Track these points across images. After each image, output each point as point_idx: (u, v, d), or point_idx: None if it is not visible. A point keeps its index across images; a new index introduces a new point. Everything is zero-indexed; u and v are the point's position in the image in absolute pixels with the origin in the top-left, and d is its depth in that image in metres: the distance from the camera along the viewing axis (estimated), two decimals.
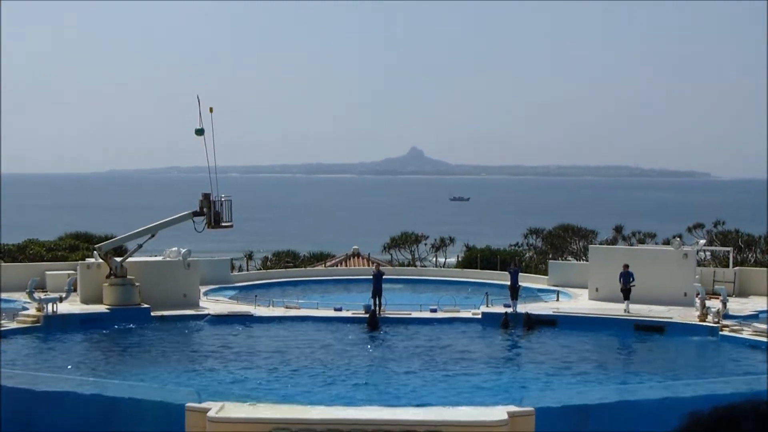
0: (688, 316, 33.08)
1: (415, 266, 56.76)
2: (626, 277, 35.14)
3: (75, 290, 35.93)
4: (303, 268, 52.60)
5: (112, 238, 40.84)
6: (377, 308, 34.62)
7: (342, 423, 17.16)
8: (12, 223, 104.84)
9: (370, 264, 50.79)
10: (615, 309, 34.88)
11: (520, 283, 36.16)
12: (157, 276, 36.61)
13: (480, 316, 34.25)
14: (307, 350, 29.34)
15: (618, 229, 60.89)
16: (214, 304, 37.23)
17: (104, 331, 32.50)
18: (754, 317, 33.30)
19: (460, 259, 58.36)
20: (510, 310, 34.43)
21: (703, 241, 45.92)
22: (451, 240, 61.03)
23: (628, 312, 34.11)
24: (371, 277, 36.01)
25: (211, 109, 35.75)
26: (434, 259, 60.68)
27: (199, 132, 35.79)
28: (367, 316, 34.04)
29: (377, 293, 34.95)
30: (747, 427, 1.78)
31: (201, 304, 36.93)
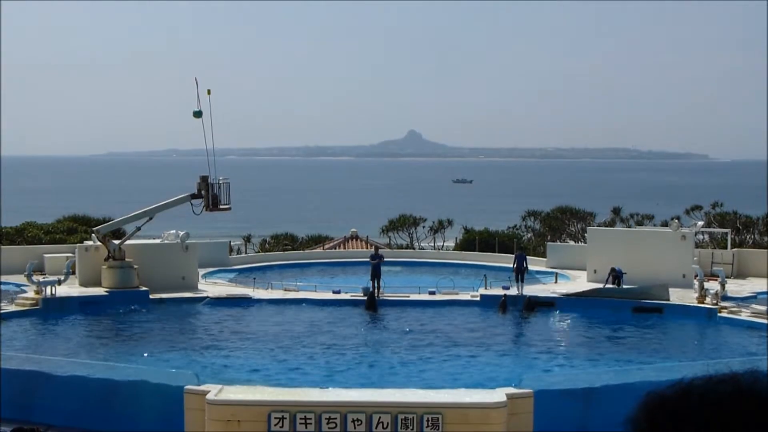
0: (687, 297, 33.07)
1: (413, 249, 56.70)
2: (620, 271, 34.86)
3: (73, 273, 35.87)
4: (301, 251, 52.55)
5: (110, 220, 40.77)
6: (376, 291, 34.58)
7: (340, 405, 17.16)
8: (10, 206, 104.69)
9: (369, 246, 50.77)
10: (613, 290, 34.85)
11: (526, 266, 35.78)
12: (156, 259, 36.55)
13: (479, 299, 34.23)
14: (306, 332, 29.33)
15: (616, 211, 60.84)
16: (212, 287, 37.19)
17: (103, 314, 32.47)
18: (753, 299, 33.32)
19: (458, 241, 58.30)
20: (508, 292, 34.38)
21: (701, 223, 45.87)
22: (449, 222, 60.92)
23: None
24: (369, 260, 35.98)
25: (209, 92, 35.72)
26: (432, 242, 60.57)
27: (197, 114, 35.75)
28: (365, 298, 34.01)
29: (376, 276, 34.90)
30: (706, 398, 1.81)
31: (199, 286, 36.88)
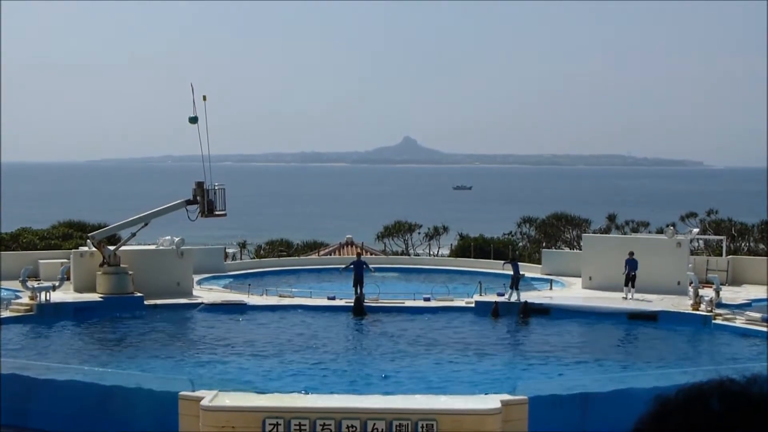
0: (682, 304, 33.10)
1: (409, 255, 56.73)
2: (632, 264, 35.20)
3: (68, 279, 35.83)
4: (296, 257, 52.56)
5: (105, 226, 40.73)
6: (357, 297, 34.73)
7: (334, 411, 17.15)
8: (5, 211, 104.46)
9: (364, 253, 50.83)
10: (608, 297, 34.93)
11: (521, 273, 36.19)
12: (151, 264, 36.52)
13: (474, 305, 34.23)
14: (300, 339, 29.32)
15: (611, 218, 60.87)
16: (207, 293, 37.18)
17: (97, 320, 32.41)
18: (747, 306, 33.35)
19: (453, 248, 58.29)
20: (503, 298, 34.42)
21: (696, 230, 45.95)
22: (445, 229, 60.94)
23: (634, 299, 34.32)
24: (351, 266, 36.10)
25: (204, 98, 35.63)
26: (428, 248, 60.59)
27: (193, 120, 35.71)
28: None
29: (358, 281, 35.12)
30: (714, 405, 1.82)
31: (194, 292, 36.85)
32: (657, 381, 20.66)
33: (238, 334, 30.46)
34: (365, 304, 34.15)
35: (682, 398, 1.88)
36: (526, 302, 33.71)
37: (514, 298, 34.38)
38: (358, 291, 35.03)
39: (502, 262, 40.21)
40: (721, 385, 1.87)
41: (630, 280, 35.10)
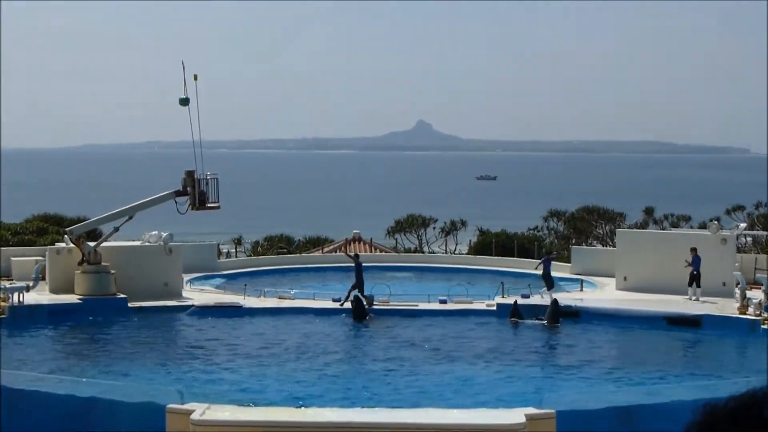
0: (727, 308, 33.00)
1: (423, 252, 56.66)
2: (697, 261, 35.13)
3: (43, 278, 35.90)
4: (298, 255, 52.58)
5: (84, 220, 40.78)
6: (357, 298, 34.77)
7: (338, 426, 17.11)
8: None
9: (373, 250, 50.85)
10: (645, 300, 34.84)
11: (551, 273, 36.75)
12: (135, 263, 36.56)
13: (495, 308, 34.18)
14: (302, 346, 29.30)
15: (648, 212, 60.76)
16: (198, 294, 37.20)
17: (75, 324, 32.46)
18: None
19: (472, 244, 58.23)
20: (525, 301, 34.44)
21: (743, 225, 45.82)
22: (463, 223, 60.84)
23: (698, 300, 34.39)
24: (353, 266, 36.15)
25: (195, 77, 35.65)
26: (444, 244, 60.53)
27: (184, 102, 35.73)
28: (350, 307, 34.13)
29: (359, 284, 35.24)
30: (767, 414, 1.80)
31: (184, 294, 36.88)
32: (699, 393, 20.57)
33: (233, 341, 30.46)
34: (368, 306, 34.12)
35: (732, 406, 1.86)
36: (556, 301, 33.54)
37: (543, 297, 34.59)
38: (358, 294, 34.86)
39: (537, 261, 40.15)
40: None
41: (694, 279, 35.07)
